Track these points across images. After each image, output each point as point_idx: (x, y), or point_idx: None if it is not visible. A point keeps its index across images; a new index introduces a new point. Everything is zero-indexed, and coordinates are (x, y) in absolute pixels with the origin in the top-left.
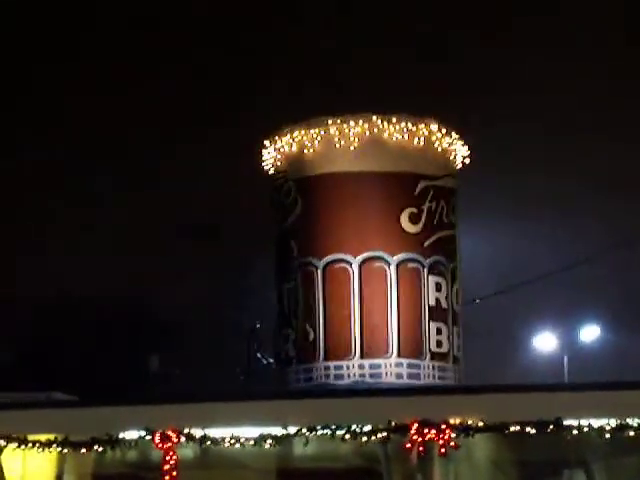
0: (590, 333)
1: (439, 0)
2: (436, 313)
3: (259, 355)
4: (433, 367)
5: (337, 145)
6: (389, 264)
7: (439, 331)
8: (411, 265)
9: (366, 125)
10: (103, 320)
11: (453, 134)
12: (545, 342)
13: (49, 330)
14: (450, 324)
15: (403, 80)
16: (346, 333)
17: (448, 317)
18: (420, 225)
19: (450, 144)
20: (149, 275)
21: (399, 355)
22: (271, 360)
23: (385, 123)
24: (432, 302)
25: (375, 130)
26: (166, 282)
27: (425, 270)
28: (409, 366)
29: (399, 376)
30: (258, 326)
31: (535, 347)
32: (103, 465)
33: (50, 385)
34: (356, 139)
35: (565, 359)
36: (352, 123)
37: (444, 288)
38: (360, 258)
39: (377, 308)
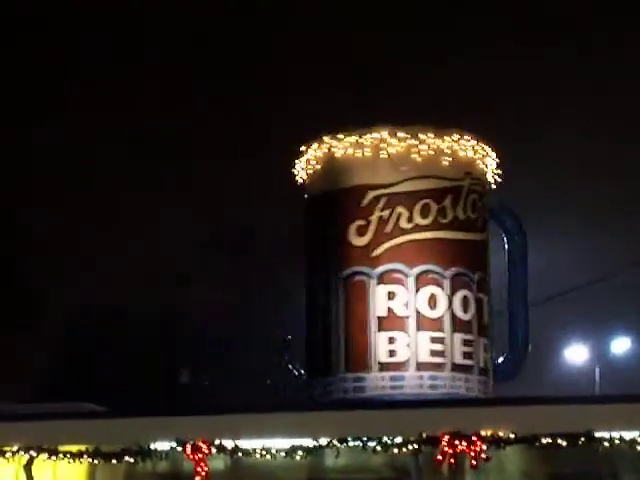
0: (621, 345)
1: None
2: (387, 322)
3: (290, 367)
4: (383, 378)
5: (301, 171)
6: (337, 281)
7: (392, 340)
8: (357, 278)
9: (318, 146)
10: (134, 331)
11: (427, 134)
12: (576, 354)
13: (80, 341)
14: (412, 330)
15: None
16: (309, 354)
17: (407, 324)
18: (369, 236)
19: (414, 146)
20: (181, 287)
21: (345, 370)
22: (302, 372)
23: (334, 140)
24: (382, 312)
25: (326, 149)
26: (198, 294)
27: (373, 281)
28: (355, 380)
29: (345, 391)
30: (289, 337)
31: (566, 359)
32: (134, 476)
33: (81, 395)
34: (314, 162)
35: (597, 371)
36: (312, 146)
37: (401, 295)
38: (318, 278)
39: (327, 327)
